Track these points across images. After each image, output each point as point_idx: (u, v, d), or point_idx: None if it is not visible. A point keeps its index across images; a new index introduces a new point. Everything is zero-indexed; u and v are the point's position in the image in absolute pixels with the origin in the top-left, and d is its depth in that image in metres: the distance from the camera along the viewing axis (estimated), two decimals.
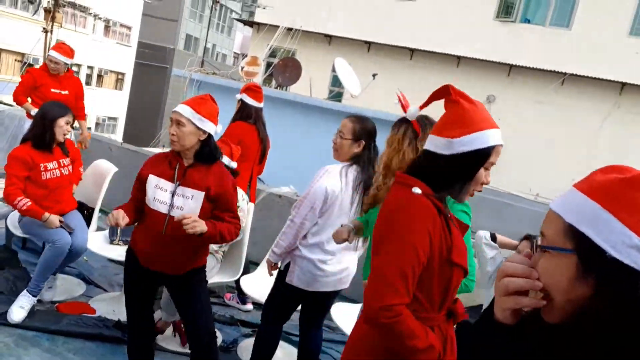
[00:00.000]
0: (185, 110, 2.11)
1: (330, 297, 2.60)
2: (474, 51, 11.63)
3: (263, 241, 3.54)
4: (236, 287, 3.61)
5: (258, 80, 10.29)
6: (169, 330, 3.09)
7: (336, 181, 2.31)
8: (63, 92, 4.47)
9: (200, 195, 2.14)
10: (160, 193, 2.14)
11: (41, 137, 3.02)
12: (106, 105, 25.85)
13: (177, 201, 2.13)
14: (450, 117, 1.38)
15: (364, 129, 2.36)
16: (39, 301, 3.16)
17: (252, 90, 3.48)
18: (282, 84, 9.84)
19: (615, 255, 0.67)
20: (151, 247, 2.18)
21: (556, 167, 10.66)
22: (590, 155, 10.48)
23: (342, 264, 2.46)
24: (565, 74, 10.90)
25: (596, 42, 10.74)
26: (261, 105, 3.56)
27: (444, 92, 1.38)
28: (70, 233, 3.06)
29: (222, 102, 8.85)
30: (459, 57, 12.09)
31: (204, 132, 2.14)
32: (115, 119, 27.22)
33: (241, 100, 3.51)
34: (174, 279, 2.30)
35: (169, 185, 2.14)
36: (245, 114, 3.50)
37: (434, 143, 1.37)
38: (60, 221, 3.03)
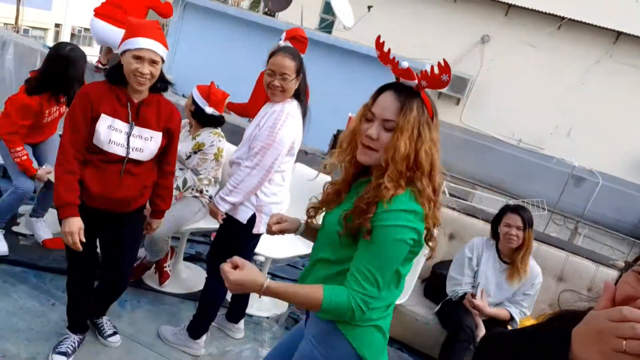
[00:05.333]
0: (159, 48, 1.94)
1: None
2: None
3: None
4: None
5: (246, 3, 9.77)
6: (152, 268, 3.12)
7: (299, 124, 2.32)
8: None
9: (158, 136, 2.05)
10: (115, 135, 1.96)
11: (67, 88, 2.88)
12: (82, 15, 24.39)
13: (135, 143, 2.00)
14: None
15: (301, 63, 2.32)
16: (23, 235, 3.15)
17: (298, 40, 3.21)
18: (272, 10, 9.35)
19: None
20: (103, 188, 2.01)
21: (541, 114, 10.70)
22: (576, 106, 10.51)
23: (284, 203, 2.48)
24: (563, 18, 10.63)
25: None
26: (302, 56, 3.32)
27: None
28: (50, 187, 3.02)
29: (208, 26, 8.45)
30: None
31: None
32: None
33: None
34: (120, 216, 2.15)
35: (123, 126, 1.97)
36: None
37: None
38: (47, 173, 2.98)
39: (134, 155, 2.00)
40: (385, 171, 1.29)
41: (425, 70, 1.32)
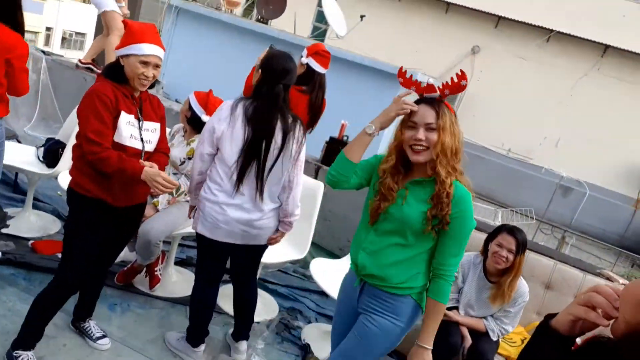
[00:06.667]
0: (161, 52, 2.11)
1: (247, 251, 2.43)
2: None
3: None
4: None
5: (239, 11, 9.82)
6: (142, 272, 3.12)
7: (224, 115, 2.20)
8: None
9: (158, 126, 2.24)
10: (133, 130, 2.11)
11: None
12: (73, 19, 24.31)
13: (146, 136, 2.16)
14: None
15: (266, 60, 2.26)
16: (14, 237, 3.13)
17: (321, 55, 3.13)
18: (265, 17, 9.40)
19: None
20: (124, 185, 2.10)
21: (530, 125, 10.84)
22: (564, 117, 10.67)
23: (252, 214, 2.28)
24: (551, 30, 10.81)
25: (585, 1, 10.61)
26: (325, 71, 3.22)
27: None
28: None
29: (201, 32, 8.48)
30: (448, 4, 11.77)
31: None
32: (82, 34, 25.72)
33: (306, 65, 3.12)
34: (132, 209, 2.25)
35: (135, 121, 2.11)
36: (304, 80, 3.11)
37: None
38: None
39: (147, 147, 2.16)
40: (437, 164, 1.66)
41: (446, 82, 1.68)
